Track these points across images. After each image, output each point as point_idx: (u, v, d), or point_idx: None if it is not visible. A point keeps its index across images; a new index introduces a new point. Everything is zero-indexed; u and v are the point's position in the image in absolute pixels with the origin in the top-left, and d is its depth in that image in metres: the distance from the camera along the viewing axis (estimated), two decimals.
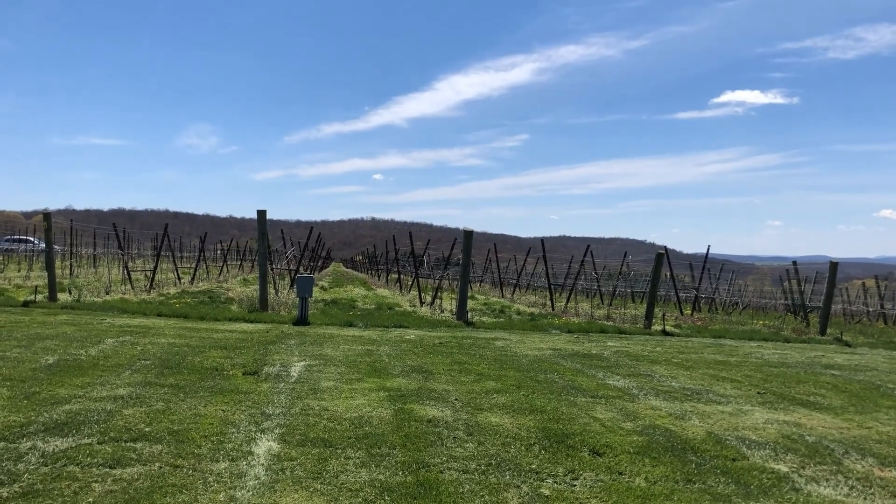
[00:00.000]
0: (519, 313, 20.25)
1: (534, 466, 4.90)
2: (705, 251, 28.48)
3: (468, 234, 16.44)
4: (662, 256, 18.51)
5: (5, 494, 3.89)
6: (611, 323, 17.65)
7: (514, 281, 34.18)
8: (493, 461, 4.97)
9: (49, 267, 16.73)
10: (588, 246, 27.74)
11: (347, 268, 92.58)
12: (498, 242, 37.37)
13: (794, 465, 5.27)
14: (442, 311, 18.68)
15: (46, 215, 17.09)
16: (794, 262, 26.05)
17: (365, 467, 4.69)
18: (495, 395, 7.27)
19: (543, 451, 5.27)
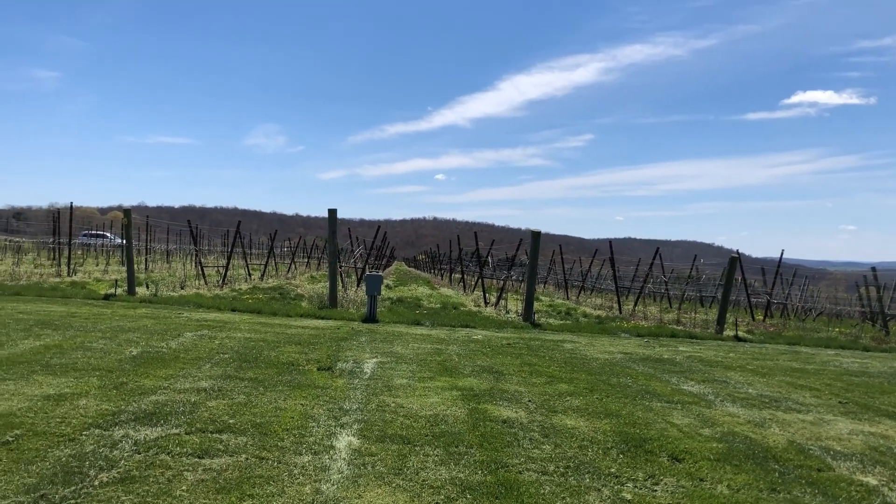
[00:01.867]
0: (585, 316, 20.08)
1: (613, 470, 4.87)
2: (779, 255, 27.69)
3: (535, 235, 16.38)
4: (736, 261, 18.11)
5: (105, 479, 4.06)
6: (681, 327, 17.35)
7: (580, 283, 33.88)
8: (571, 463, 4.95)
9: (128, 262, 17.33)
10: (657, 249, 27.32)
11: (410, 267, 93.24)
12: (561, 244, 37.11)
13: (884, 479, 5.10)
14: (507, 312, 18.65)
15: (126, 211, 17.69)
16: (873, 269, 25.13)
17: (444, 465, 4.73)
18: (568, 398, 7.24)
19: (621, 455, 5.23)
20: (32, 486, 3.91)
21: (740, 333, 16.62)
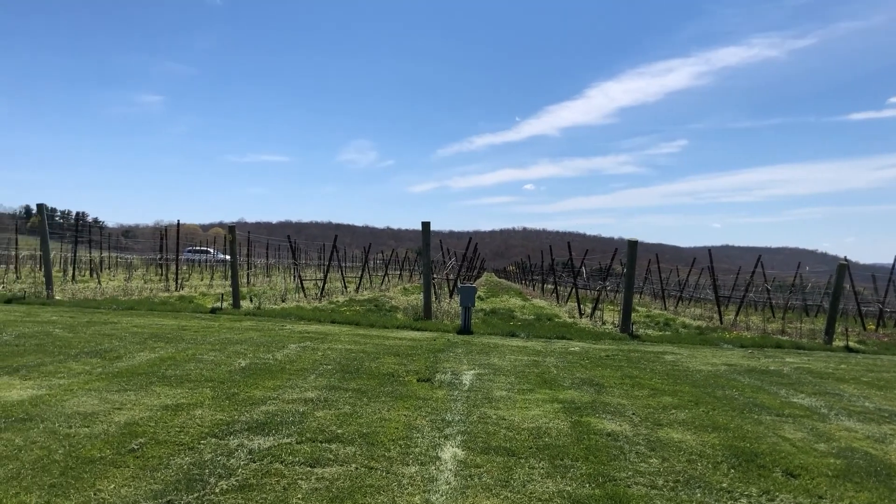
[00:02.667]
0: (685, 326, 19.58)
1: (724, 485, 4.74)
2: (891, 261, 26.29)
3: (632, 245, 16.11)
4: (845, 268, 17.30)
5: (225, 486, 4.24)
6: (786, 337, 16.69)
7: (677, 293, 33.06)
8: (680, 478, 4.85)
9: (233, 276, 18.00)
10: (759, 256, 26.40)
11: (500, 278, 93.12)
12: (657, 252, 36.32)
13: None
14: (603, 323, 18.39)
15: (231, 228, 18.40)
16: None
17: (550, 478, 4.71)
18: (673, 411, 7.09)
19: (732, 470, 5.08)
20: (159, 491, 4.11)
21: (851, 344, 15.85)
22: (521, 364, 9.92)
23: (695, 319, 23.10)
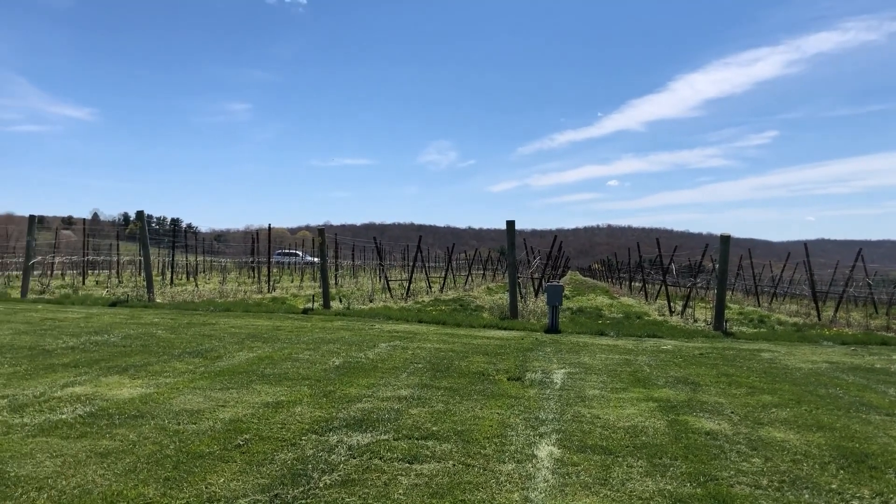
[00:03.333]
0: (780, 323, 18.92)
1: (833, 486, 4.57)
2: None
3: (725, 240, 15.68)
4: None
5: (328, 481, 4.35)
6: (891, 334, 15.91)
7: (770, 289, 31.98)
8: (786, 478, 4.70)
9: (323, 278, 18.42)
10: (859, 250, 25.26)
11: (585, 276, 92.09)
12: (747, 247, 35.19)
13: None
14: (695, 321, 17.96)
15: (321, 231, 18.83)
16: None
17: (650, 477, 4.64)
18: (774, 410, 6.87)
19: (841, 471, 4.89)
20: (266, 486, 4.25)
21: None
22: (612, 363, 9.80)
23: (791, 316, 22.29)
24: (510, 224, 17.03)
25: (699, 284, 24.76)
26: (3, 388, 6.85)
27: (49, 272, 31.85)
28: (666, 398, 7.29)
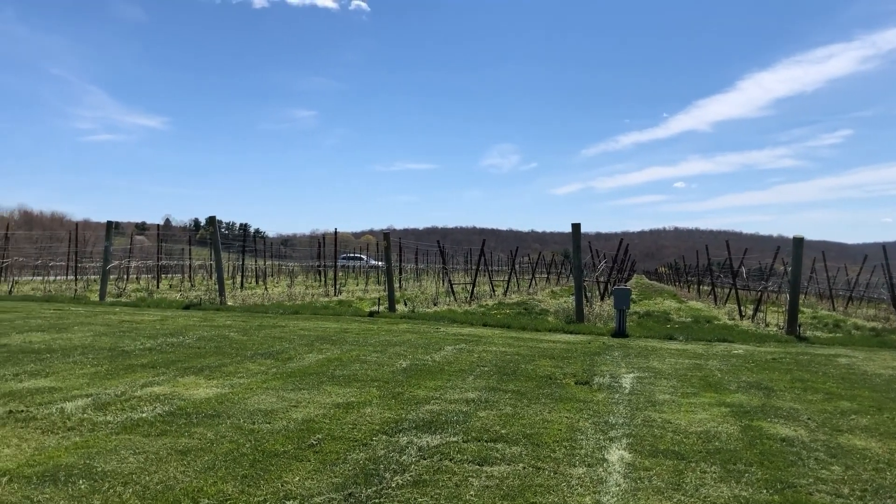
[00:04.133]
0: (857, 328, 18.29)
1: None
2: None
3: (798, 242, 15.25)
4: None
5: (400, 481, 4.41)
6: None
7: (845, 292, 30.93)
8: (868, 486, 4.56)
9: (389, 281, 18.63)
10: None
11: (651, 279, 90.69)
12: (820, 250, 34.12)
13: None
14: (766, 325, 17.50)
15: (385, 235, 19.05)
16: None
17: (724, 482, 4.56)
18: (853, 417, 6.66)
19: None
20: (340, 484, 4.34)
21: None
22: (682, 367, 9.64)
23: (868, 321, 21.52)
24: (576, 227, 16.91)
25: (770, 288, 24.12)
26: (86, 388, 7.14)
27: (125, 276, 32.99)
28: (738, 403, 7.15)
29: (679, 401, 7.24)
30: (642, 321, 18.14)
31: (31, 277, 35.86)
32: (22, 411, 6.03)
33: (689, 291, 42.73)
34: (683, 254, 58.81)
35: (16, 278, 31.81)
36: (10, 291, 24.00)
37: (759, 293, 22.31)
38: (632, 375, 8.83)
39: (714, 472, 4.77)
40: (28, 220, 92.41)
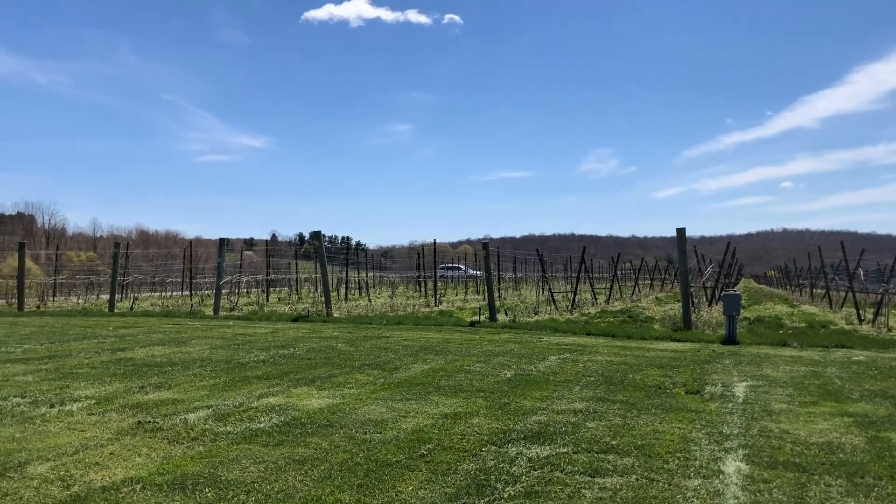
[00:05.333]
0: None
1: None
2: None
3: None
4: None
5: (512, 492, 4.43)
6: None
7: None
8: None
9: (489, 291, 18.69)
10: None
11: (760, 283, 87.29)
12: None
13: None
14: (889, 330, 16.57)
15: (485, 245, 19.14)
16: None
17: (851, 496, 4.36)
18: None
19: None
20: (452, 495, 4.39)
21: None
22: (798, 375, 9.26)
23: None
24: (680, 232, 16.52)
25: (892, 290, 22.79)
26: (207, 399, 7.49)
27: (236, 290, 34.36)
28: (863, 413, 6.81)
29: (797, 410, 6.96)
30: (753, 327, 17.50)
31: (149, 293, 37.88)
32: (149, 422, 6.38)
33: (801, 295, 40.90)
34: (794, 256, 56.38)
35: (136, 295, 33.65)
36: (132, 307, 25.40)
37: (880, 296, 21.12)
38: (745, 384, 8.55)
39: (840, 486, 4.57)
40: (145, 238, 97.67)
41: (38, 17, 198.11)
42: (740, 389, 8.16)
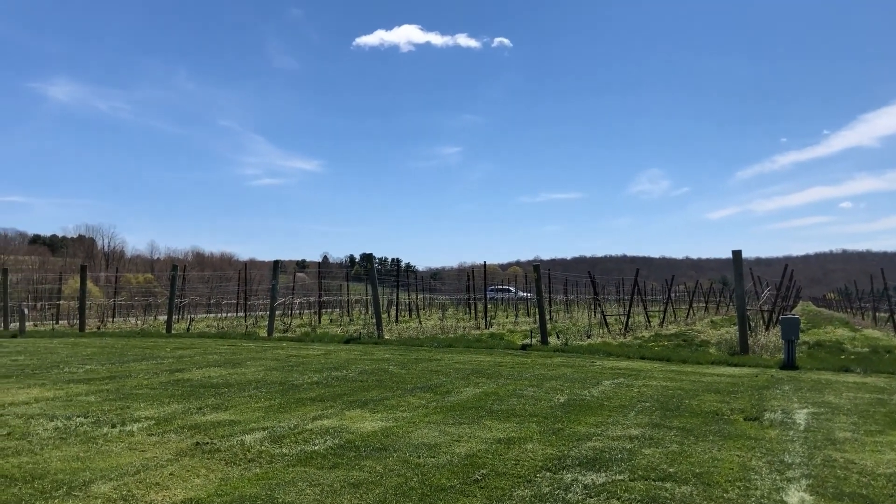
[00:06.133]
0: None
1: None
2: None
3: None
4: None
5: None
6: None
7: None
8: None
9: (541, 314, 18.58)
10: None
11: (819, 306, 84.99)
12: None
13: None
14: None
15: (536, 267, 19.07)
16: None
17: None
18: None
19: None
20: None
21: None
22: (862, 402, 8.98)
23: None
24: (736, 254, 16.22)
25: None
26: (262, 421, 7.59)
27: (290, 312, 34.81)
28: None
29: (862, 439, 6.74)
30: (812, 352, 17.04)
31: (204, 315, 38.62)
32: (207, 443, 6.49)
33: (862, 319, 39.70)
34: (854, 278, 54.77)
35: (192, 316, 34.33)
36: (188, 329, 25.92)
37: None
38: (805, 411, 8.32)
39: None
40: (200, 260, 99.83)
41: (100, 46, 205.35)
42: (801, 416, 7.94)
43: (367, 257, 21.86)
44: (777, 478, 5.34)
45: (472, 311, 34.51)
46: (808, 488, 5.06)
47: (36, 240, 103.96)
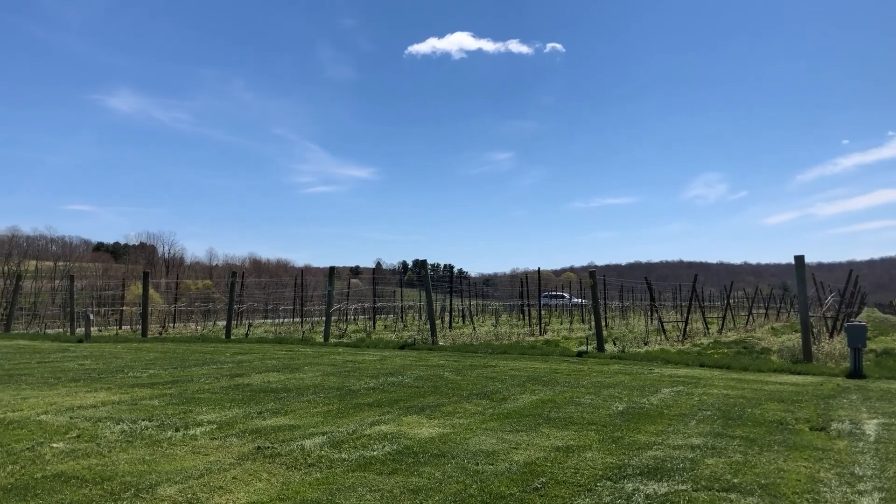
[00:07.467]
0: None
1: None
2: None
3: None
4: None
5: None
6: None
7: None
8: None
9: (596, 320, 18.40)
10: None
11: (885, 313, 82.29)
12: None
13: None
14: None
15: (591, 273, 18.89)
16: None
17: None
18: None
19: None
20: None
21: None
22: None
23: None
24: (799, 259, 15.82)
25: None
26: (321, 426, 7.67)
27: (345, 318, 35.15)
28: None
29: None
30: (880, 360, 16.48)
31: (262, 320, 39.26)
32: (268, 447, 6.59)
33: None
34: None
35: (250, 321, 34.94)
36: (247, 334, 26.38)
37: None
38: (875, 421, 8.05)
39: None
40: (257, 267, 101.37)
41: (160, 58, 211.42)
42: (871, 427, 7.69)
43: (421, 264, 21.99)
44: (847, 490, 5.18)
45: (526, 318, 34.35)
46: (881, 501, 4.89)
47: (99, 247, 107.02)
